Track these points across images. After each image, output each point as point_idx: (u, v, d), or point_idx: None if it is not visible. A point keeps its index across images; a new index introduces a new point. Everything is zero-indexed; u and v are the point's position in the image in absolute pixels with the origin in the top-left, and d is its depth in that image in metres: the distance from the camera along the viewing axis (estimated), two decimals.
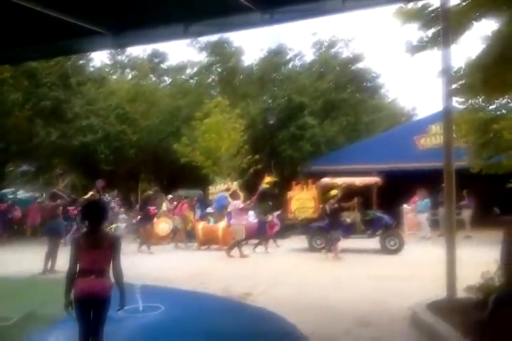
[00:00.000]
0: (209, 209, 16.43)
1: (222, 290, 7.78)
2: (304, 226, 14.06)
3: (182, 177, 23.69)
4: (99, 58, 43.90)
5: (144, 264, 10.43)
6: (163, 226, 15.71)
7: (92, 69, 25.45)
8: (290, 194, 15.16)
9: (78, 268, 3.80)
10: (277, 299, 7.10)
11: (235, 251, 12.19)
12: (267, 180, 13.70)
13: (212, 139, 19.06)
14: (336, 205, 12.20)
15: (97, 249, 3.77)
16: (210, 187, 17.83)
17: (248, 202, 12.91)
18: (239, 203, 12.68)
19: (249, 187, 19.35)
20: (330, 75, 25.52)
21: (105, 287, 3.79)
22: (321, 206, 14.11)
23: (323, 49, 27.20)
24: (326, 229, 12.43)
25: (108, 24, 7.61)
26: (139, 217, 14.33)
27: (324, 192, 13.99)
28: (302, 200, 14.94)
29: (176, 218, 15.59)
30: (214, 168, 19.27)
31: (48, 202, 11.51)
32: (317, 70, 26.32)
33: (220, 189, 17.55)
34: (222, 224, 14.29)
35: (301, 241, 13.95)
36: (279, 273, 9.72)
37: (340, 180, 13.91)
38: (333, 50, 27.07)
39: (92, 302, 3.77)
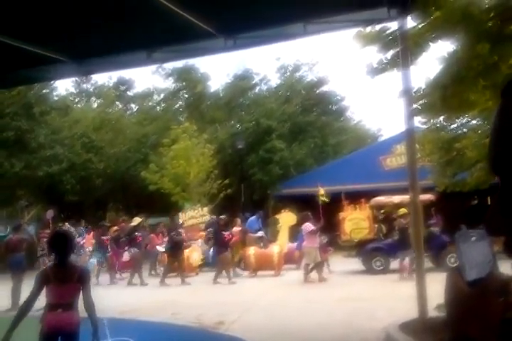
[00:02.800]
0: (260, 233, 15.28)
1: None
2: (359, 248, 13.30)
3: (151, 204, 23.31)
4: (64, 87, 43.45)
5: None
6: (196, 255, 14.57)
7: (56, 98, 25.13)
8: (342, 214, 14.61)
9: (46, 302, 3.63)
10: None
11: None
12: (321, 192, 13.06)
13: (181, 165, 18.93)
14: (407, 224, 11.79)
15: (65, 283, 3.61)
16: (180, 214, 17.57)
17: (319, 224, 12.29)
18: (310, 225, 12.15)
19: (220, 212, 19.21)
20: (296, 99, 25.92)
21: (73, 321, 3.62)
22: (376, 226, 13.71)
23: (288, 73, 27.68)
24: (386, 249, 12.01)
25: (70, 52, 7.56)
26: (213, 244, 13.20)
27: (378, 211, 13.60)
28: (356, 220, 14.28)
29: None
30: (183, 195, 19.08)
31: (12, 235, 11.03)
32: (283, 94, 26.71)
33: (190, 215, 17.31)
34: (276, 249, 13.54)
35: (348, 263, 13.33)
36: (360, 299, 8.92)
37: (397, 198, 13.52)
38: (297, 74, 27.57)
39: (60, 337, 3.62)
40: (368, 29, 6.03)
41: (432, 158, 12.60)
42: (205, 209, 17.38)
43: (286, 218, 14.44)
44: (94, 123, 24.65)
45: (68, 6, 5.76)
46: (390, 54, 6.16)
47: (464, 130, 12.35)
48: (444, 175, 12.73)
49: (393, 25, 6.01)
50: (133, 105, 29.88)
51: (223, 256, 12.68)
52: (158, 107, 28.15)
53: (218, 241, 13.05)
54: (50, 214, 14.59)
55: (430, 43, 5.72)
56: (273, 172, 22.55)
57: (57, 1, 5.74)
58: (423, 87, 6.10)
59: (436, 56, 5.72)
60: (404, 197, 13.37)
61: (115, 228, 14.49)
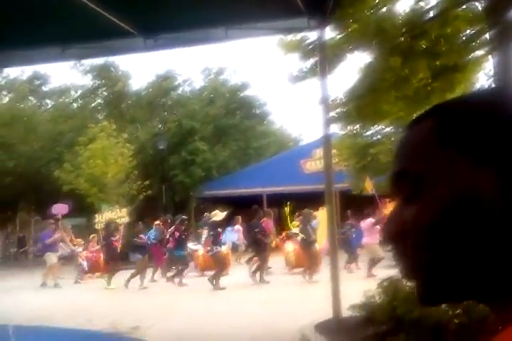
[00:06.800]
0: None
1: None
2: None
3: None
4: None
5: None
6: None
7: None
8: (385, 212, 14.52)
9: None
10: None
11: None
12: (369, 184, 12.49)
13: (98, 165, 18.22)
14: None
15: None
16: (97, 216, 16.91)
17: (379, 217, 11.82)
18: (371, 219, 11.66)
19: (140, 213, 18.72)
20: (220, 101, 25.90)
21: None
22: None
23: (212, 76, 27.63)
24: None
25: None
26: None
27: None
28: None
29: None
30: (100, 196, 18.39)
31: None
32: (207, 96, 26.60)
33: (108, 217, 16.71)
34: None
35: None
36: None
37: None
38: (221, 77, 27.59)
39: None
40: (290, 37, 6.14)
41: (349, 162, 13.13)
42: (124, 210, 16.86)
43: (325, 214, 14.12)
44: (3, 118, 23.10)
45: None
46: (309, 63, 6.32)
47: (379, 136, 13.00)
48: (359, 179, 13.33)
49: (313, 35, 6.18)
50: (48, 101, 28.39)
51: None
52: (74, 104, 26.93)
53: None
54: (61, 209, 13.73)
55: (347, 54, 5.94)
56: (195, 173, 22.37)
57: None
58: (340, 95, 6.32)
59: (354, 66, 5.95)
60: None
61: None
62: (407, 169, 0.51)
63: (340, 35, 5.86)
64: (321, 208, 14.86)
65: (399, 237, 0.51)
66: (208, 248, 12.70)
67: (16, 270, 15.94)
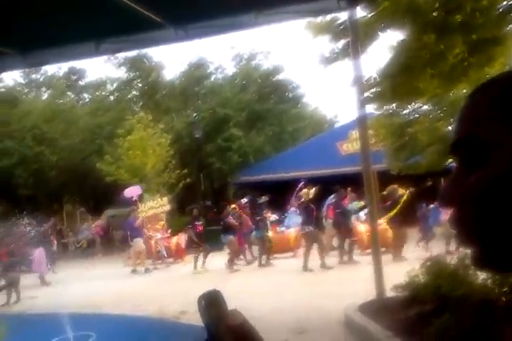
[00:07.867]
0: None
1: None
2: None
3: (108, 196, 22.95)
4: (11, 77, 41.62)
5: None
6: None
7: (2, 89, 24.15)
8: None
9: None
10: None
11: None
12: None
13: (137, 156, 18.64)
14: None
15: None
16: (139, 205, 17.34)
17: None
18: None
19: (180, 201, 19.10)
20: (252, 87, 25.88)
21: None
22: None
23: (244, 61, 27.58)
24: None
25: (15, 44, 7.27)
26: None
27: None
28: None
29: None
30: (141, 186, 18.84)
31: None
32: (239, 82, 26.61)
33: (149, 206, 17.11)
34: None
35: None
36: None
37: None
38: (253, 62, 27.51)
39: None
40: (319, 19, 6.07)
41: (386, 142, 12.94)
42: (165, 199, 17.23)
43: None
44: (44, 114, 23.85)
45: None
46: (341, 44, 6.24)
47: (416, 115, 12.72)
48: (397, 159, 13.10)
49: (343, 16, 6.09)
50: (85, 95, 29.08)
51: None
52: (111, 97, 27.49)
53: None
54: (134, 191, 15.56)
55: (379, 33, 5.83)
56: (232, 160, 22.57)
57: None
58: (373, 75, 6.22)
59: (387, 45, 5.85)
60: None
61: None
62: (473, 135, 0.51)
63: (372, 14, 5.75)
64: (390, 186, 14.51)
65: (459, 202, 0.51)
66: (277, 230, 13.16)
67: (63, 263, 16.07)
